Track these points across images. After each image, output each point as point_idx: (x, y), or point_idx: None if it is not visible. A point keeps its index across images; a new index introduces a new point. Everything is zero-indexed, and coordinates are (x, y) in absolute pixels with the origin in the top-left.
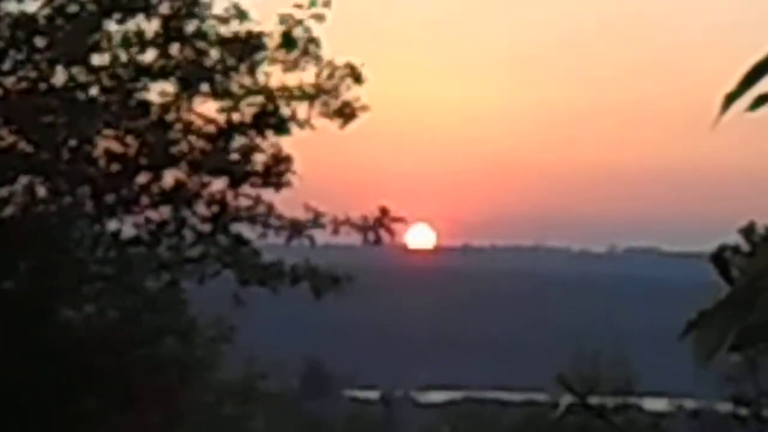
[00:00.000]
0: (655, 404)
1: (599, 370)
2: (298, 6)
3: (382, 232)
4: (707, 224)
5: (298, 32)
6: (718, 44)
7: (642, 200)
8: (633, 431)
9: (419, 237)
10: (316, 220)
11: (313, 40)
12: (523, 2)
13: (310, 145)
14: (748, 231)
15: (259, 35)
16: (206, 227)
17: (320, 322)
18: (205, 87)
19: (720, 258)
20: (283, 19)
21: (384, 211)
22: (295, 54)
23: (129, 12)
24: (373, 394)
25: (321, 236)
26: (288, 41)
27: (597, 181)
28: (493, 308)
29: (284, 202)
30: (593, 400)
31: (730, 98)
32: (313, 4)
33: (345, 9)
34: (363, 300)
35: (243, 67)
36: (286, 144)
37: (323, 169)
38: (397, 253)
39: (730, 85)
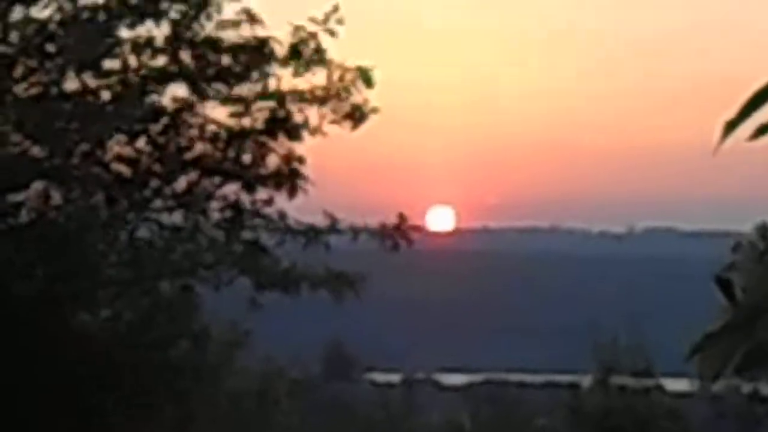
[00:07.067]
0: (676, 385)
1: (618, 350)
2: (313, 20)
3: (399, 239)
4: (726, 203)
5: (307, 44)
6: (733, 25)
7: (660, 180)
8: (653, 414)
9: (439, 219)
10: (334, 226)
11: (319, 51)
12: None
13: (328, 135)
14: (762, 229)
15: (268, 40)
16: (220, 233)
17: (338, 305)
18: (215, 91)
19: (723, 279)
20: (296, 30)
21: (402, 218)
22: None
23: (139, 17)
24: (394, 377)
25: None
26: (295, 53)
27: (614, 161)
28: (511, 290)
29: (301, 204)
30: (614, 381)
31: (730, 126)
32: (327, 20)
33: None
34: (383, 283)
35: (254, 74)
36: (302, 144)
37: (343, 154)
38: (416, 235)
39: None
